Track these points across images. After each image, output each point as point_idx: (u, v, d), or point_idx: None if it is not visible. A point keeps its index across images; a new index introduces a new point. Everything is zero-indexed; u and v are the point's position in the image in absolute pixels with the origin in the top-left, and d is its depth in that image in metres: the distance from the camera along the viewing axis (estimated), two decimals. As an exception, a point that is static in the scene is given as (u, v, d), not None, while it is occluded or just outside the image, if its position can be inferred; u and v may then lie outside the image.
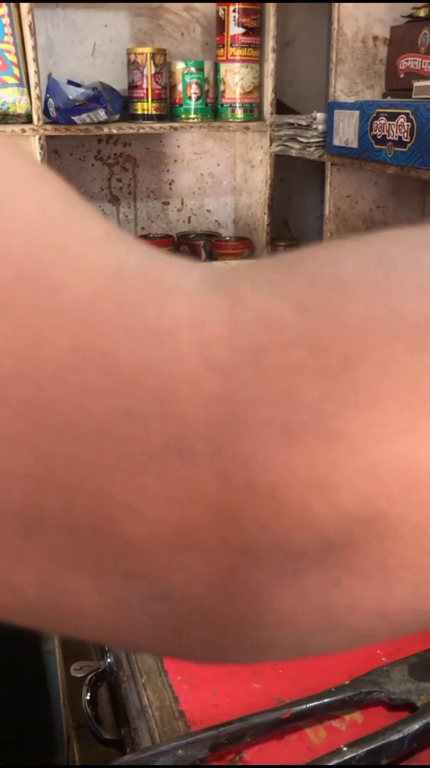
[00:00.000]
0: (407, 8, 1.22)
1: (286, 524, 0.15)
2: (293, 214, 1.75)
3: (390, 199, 1.36)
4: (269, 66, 1.47)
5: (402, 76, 1.24)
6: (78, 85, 1.48)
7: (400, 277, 0.16)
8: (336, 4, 1.22)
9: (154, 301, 0.16)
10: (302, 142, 1.36)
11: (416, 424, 0.15)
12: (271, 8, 1.43)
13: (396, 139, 1.06)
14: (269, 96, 1.49)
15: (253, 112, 1.51)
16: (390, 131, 1.08)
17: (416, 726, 0.52)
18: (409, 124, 1.03)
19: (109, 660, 0.76)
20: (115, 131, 1.40)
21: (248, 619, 0.17)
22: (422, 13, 1.15)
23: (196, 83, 1.46)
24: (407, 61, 1.21)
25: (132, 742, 0.57)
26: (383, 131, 1.10)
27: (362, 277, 0.16)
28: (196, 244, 1.64)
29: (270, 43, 1.45)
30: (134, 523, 0.15)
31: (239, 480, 0.15)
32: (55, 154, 1.58)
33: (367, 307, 0.15)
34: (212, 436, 0.15)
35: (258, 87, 1.50)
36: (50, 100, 1.37)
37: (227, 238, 1.67)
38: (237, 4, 1.43)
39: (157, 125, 1.44)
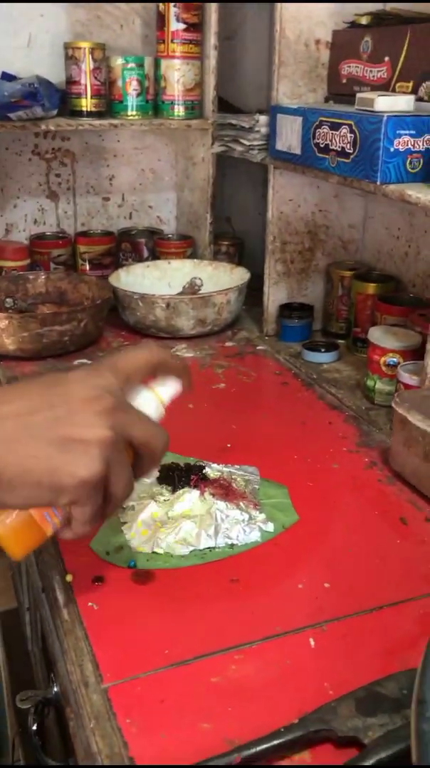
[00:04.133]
0: (349, 13, 1.21)
1: None
2: (236, 210, 1.74)
3: (332, 202, 1.36)
4: (211, 63, 1.45)
5: (344, 81, 1.23)
6: (13, 78, 1.43)
7: None
8: (278, 5, 1.20)
9: None
10: (244, 144, 1.34)
11: None
12: (212, 4, 1.40)
13: (339, 149, 1.06)
14: (210, 93, 1.46)
15: (194, 109, 1.48)
16: (333, 141, 1.08)
17: (368, 764, 0.53)
18: (352, 135, 1.03)
19: (55, 689, 0.75)
20: (52, 128, 1.36)
21: None
22: (364, 21, 1.14)
23: (137, 79, 1.43)
24: (349, 66, 1.21)
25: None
26: (326, 140, 1.09)
27: None
28: (139, 242, 1.62)
29: (212, 39, 1.43)
30: None
31: None
32: (-10, 148, 1.53)
33: None
34: None
35: (199, 84, 1.47)
36: (-16, 96, 1.32)
37: (170, 236, 1.65)
38: (178, -2, 1.40)
39: (96, 122, 1.41)
